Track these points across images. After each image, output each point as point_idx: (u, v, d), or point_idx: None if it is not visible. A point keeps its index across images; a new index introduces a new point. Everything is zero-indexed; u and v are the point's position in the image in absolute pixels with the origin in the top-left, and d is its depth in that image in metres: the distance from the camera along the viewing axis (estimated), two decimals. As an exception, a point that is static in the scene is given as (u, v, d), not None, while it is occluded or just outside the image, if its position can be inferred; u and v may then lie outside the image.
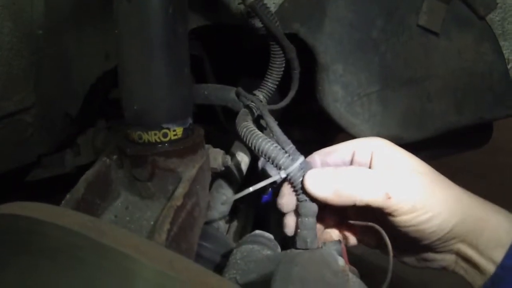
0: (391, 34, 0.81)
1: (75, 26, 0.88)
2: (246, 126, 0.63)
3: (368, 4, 0.79)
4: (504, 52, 0.80)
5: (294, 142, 0.63)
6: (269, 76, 0.74)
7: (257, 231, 0.64)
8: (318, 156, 0.67)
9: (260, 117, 0.72)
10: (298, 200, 0.62)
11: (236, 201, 0.74)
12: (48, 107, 0.94)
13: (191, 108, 0.61)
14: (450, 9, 0.79)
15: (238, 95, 0.76)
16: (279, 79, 0.75)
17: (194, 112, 0.62)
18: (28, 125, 0.93)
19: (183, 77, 0.58)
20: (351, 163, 0.66)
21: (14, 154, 0.95)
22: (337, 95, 0.82)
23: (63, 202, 0.51)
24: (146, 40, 0.53)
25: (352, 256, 0.61)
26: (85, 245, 0.33)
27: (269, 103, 0.75)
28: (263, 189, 0.64)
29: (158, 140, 0.56)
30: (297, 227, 0.63)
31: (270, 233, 0.64)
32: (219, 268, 0.63)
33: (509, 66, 0.80)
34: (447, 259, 0.65)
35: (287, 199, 0.63)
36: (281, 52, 0.71)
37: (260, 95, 0.74)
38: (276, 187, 0.68)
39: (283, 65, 0.73)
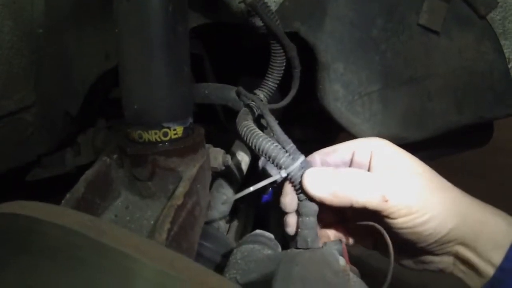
0: (392, 33, 0.81)
1: (75, 25, 0.88)
2: (246, 126, 0.63)
3: (368, 3, 0.79)
4: (504, 51, 0.80)
5: (295, 141, 0.63)
6: (269, 75, 0.74)
7: (258, 231, 0.64)
8: (318, 156, 0.67)
9: (261, 116, 0.72)
10: (298, 199, 0.62)
11: (236, 200, 0.73)
12: (48, 106, 0.94)
13: (192, 107, 0.61)
14: (451, 8, 0.79)
15: (238, 94, 0.76)
16: (279, 78, 0.74)
17: (194, 111, 0.62)
18: (28, 124, 0.93)
19: (183, 76, 0.58)
20: (351, 163, 0.66)
21: (14, 153, 0.95)
22: (337, 94, 0.82)
23: (63, 201, 0.51)
24: (146, 39, 0.53)
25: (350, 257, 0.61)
26: (85, 244, 0.33)
27: (270, 102, 0.74)
28: (263, 188, 0.64)
29: (159, 140, 0.56)
30: (297, 226, 0.63)
31: (270, 232, 0.64)
32: (220, 268, 0.63)
33: (509, 65, 0.80)
34: (445, 261, 0.65)
35: (290, 198, 0.63)
36: (281, 51, 0.71)
37: (261, 94, 0.74)
38: (276, 187, 0.68)
39: (284, 64, 0.73)
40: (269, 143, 0.60)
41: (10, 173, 0.95)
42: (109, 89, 1.02)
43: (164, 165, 0.56)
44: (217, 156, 0.68)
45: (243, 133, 0.63)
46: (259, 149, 0.60)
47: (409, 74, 0.83)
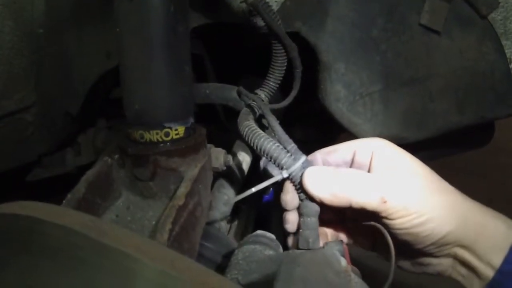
0: (392, 33, 0.81)
1: (75, 25, 0.88)
2: (248, 126, 0.63)
3: (369, 3, 0.79)
4: (506, 51, 0.80)
5: (296, 141, 0.63)
6: (270, 75, 0.74)
7: (259, 231, 0.64)
8: (319, 155, 0.68)
9: (262, 116, 0.72)
10: (300, 198, 0.62)
11: (237, 201, 0.73)
12: (49, 106, 0.94)
13: (193, 107, 0.61)
14: (452, 8, 0.79)
15: (239, 94, 0.75)
16: (281, 78, 0.74)
17: (195, 111, 0.61)
18: (28, 124, 0.93)
19: (184, 76, 0.58)
20: (352, 162, 0.66)
21: (15, 153, 0.95)
22: (339, 94, 0.81)
23: (64, 201, 0.51)
24: (147, 39, 0.53)
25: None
26: (86, 245, 0.33)
27: (271, 102, 0.74)
28: (265, 189, 0.64)
29: (160, 140, 0.56)
30: (299, 226, 0.63)
31: (271, 232, 0.64)
32: (221, 268, 0.63)
33: (511, 66, 0.80)
34: (444, 264, 0.65)
35: (291, 196, 0.63)
36: (283, 51, 0.71)
37: (262, 94, 0.74)
38: (277, 186, 0.68)
39: (285, 64, 0.73)
40: (271, 143, 0.60)
41: (11, 173, 0.95)
42: (109, 89, 1.02)
43: (165, 165, 0.56)
44: (218, 156, 0.68)
45: (244, 133, 0.63)
46: (260, 149, 0.60)
47: (410, 74, 0.83)
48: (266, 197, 1.00)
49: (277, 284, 0.42)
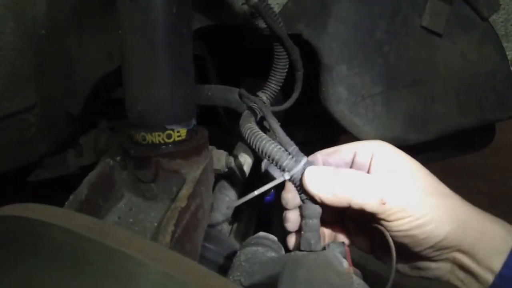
0: (395, 35, 0.81)
1: (77, 26, 0.88)
2: (249, 128, 0.63)
3: (371, 5, 0.79)
4: (507, 53, 0.80)
5: (297, 143, 0.63)
6: (272, 77, 0.74)
7: (261, 233, 0.64)
8: (320, 156, 0.68)
9: (264, 118, 0.72)
10: (301, 199, 0.62)
11: (239, 202, 0.73)
12: (50, 107, 0.94)
13: (195, 109, 0.61)
14: (453, 10, 0.79)
15: (241, 96, 0.76)
16: (282, 80, 0.74)
17: (197, 113, 0.61)
18: (30, 125, 0.93)
19: (187, 78, 0.58)
20: (352, 163, 0.66)
21: (16, 154, 0.94)
22: (341, 96, 0.81)
23: (66, 203, 0.51)
24: (150, 40, 0.53)
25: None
26: (89, 247, 0.33)
27: (272, 104, 0.74)
28: (266, 190, 0.64)
29: (162, 141, 0.56)
30: (301, 228, 0.63)
31: (273, 233, 0.64)
32: (223, 269, 0.63)
33: (512, 68, 0.80)
34: (442, 268, 0.65)
35: (292, 195, 0.63)
36: (284, 53, 0.71)
37: (264, 96, 0.74)
38: (279, 188, 0.68)
39: (287, 66, 0.73)
40: (272, 146, 0.60)
41: (12, 173, 0.95)
42: (111, 89, 1.02)
43: (167, 167, 0.56)
44: (220, 158, 0.68)
45: (246, 135, 0.63)
46: (262, 151, 0.61)
47: (411, 76, 0.83)
48: (267, 198, 1.00)
49: (281, 286, 0.42)
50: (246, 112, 0.71)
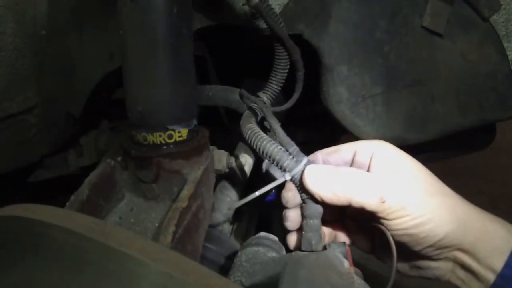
0: (395, 35, 0.81)
1: (78, 26, 0.88)
2: (250, 128, 0.63)
3: (372, 5, 0.79)
4: (508, 53, 0.80)
5: (298, 143, 0.63)
6: (273, 78, 0.74)
7: (262, 233, 0.64)
8: (320, 155, 0.68)
9: (264, 118, 0.72)
10: (301, 198, 0.62)
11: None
12: (51, 107, 0.94)
13: (196, 109, 0.61)
14: (454, 11, 0.79)
15: (241, 97, 0.76)
16: (283, 81, 0.74)
17: (198, 113, 0.61)
18: (31, 126, 0.93)
19: (187, 78, 0.58)
20: (352, 163, 0.66)
21: (17, 155, 0.95)
22: (341, 97, 0.81)
23: (67, 204, 0.51)
24: (150, 41, 0.53)
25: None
26: (90, 247, 0.33)
27: (273, 104, 0.74)
28: (267, 191, 0.64)
29: (163, 142, 0.56)
30: (301, 228, 0.63)
31: (273, 233, 0.64)
32: (224, 270, 0.63)
33: (512, 68, 0.80)
34: (443, 268, 0.65)
35: (292, 194, 0.63)
36: (285, 53, 0.71)
37: (264, 96, 0.74)
38: (279, 188, 0.68)
39: (288, 66, 0.73)
40: (273, 146, 0.60)
41: (13, 174, 0.95)
42: (112, 90, 1.02)
43: (168, 167, 0.56)
44: (221, 158, 0.68)
45: (247, 135, 0.63)
46: (262, 152, 0.61)
47: (412, 76, 0.83)
48: (268, 197, 1.00)
49: (282, 286, 0.42)
50: (247, 113, 0.71)
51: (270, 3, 0.67)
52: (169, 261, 0.33)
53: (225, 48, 1.09)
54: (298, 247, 0.63)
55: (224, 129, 1.05)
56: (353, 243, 0.72)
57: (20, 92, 0.88)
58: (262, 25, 0.70)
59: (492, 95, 0.83)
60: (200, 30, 0.79)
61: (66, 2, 0.87)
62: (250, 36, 0.84)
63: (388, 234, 0.60)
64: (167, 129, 0.55)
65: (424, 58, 0.82)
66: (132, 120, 0.57)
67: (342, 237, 0.71)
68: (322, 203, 0.61)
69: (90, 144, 1.02)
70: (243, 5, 0.71)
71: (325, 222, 0.69)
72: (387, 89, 0.83)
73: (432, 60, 0.82)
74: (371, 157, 0.64)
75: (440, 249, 0.61)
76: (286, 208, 0.66)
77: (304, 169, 0.61)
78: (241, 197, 0.79)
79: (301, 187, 0.61)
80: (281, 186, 0.66)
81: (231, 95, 0.82)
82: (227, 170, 0.70)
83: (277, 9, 0.75)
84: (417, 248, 0.61)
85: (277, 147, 0.60)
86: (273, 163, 0.61)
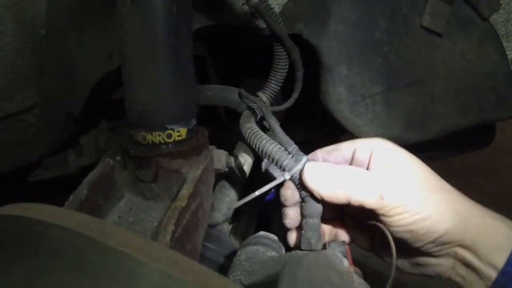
0: (395, 35, 0.81)
1: (77, 26, 0.88)
2: (250, 128, 0.63)
3: (371, 5, 0.79)
4: (507, 53, 0.80)
5: (297, 143, 0.63)
6: (272, 77, 0.74)
7: (261, 232, 0.64)
8: (320, 153, 0.68)
9: (263, 118, 0.72)
10: (301, 196, 0.62)
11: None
12: (51, 107, 0.94)
13: (195, 109, 0.61)
14: (454, 10, 0.79)
15: (240, 96, 0.76)
16: (282, 80, 0.74)
17: (197, 113, 0.61)
18: (30, 125, 0.93)
19: (187, 78, 0.58)
20: (352, 161, 0.66)
21: (16, 154, 0.95)
22: (341, 96, 0.81)
23: (66, 203, 0.51)
24: (150, 40, 0.53)
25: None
26: (90, 246, 0.33)
27: (272, 104, 0.74)
28: (267, 191, 0.64)
29: (162, 141, 0.56)
30: (301, 227, 0.63)
31: (273, 232, 0.64)
32: (223, 269, 0.63)
33: (512, 67, 0.80)
34: (443, 264, 0.64)
35: (291, 192, 0.63)
36: (284, 53, 0.71)
37: (263, 96, 0.74)
38: (279, 187, 0.68)
39: (287, 66, 0.73)
40: (272, 145, 0.60)
41: (12, 173, 0.95)
42: (111, 89, 1.02)
43: (168, 166, 0.56)
44: (220, 158, 0.68)
45: (246, 135, 0.63)
46: (262, 151, 0.61)
47: (411, 76, 0.83)
48: (268, 197, 1.00)
49: (281, 285, 0.42)
50: (246, 112, 0.71)
51: (269, 2, 0.67)
52: (168, 260, 0.33)
53: (225, 47, 1.09)
54: (298, 245, 0.63)
55: (223, 129, 1.05)
56: (353, 241, 0.72)
57: (20, 91, 0.88)
58: (262, 24, 0.70)
59: (492, 95, 0.83)
60: (199, 29, 0.79)
61: (66, 2, 0.87)
62: (250, 35, 0.84)
63: (387, 232, 0.60)
64: (166, 129, 0.55)
65: (424, 58, 0.82)
66: (131, 120, 0.57)
67: (342, 235, 0.71)
68: (322, 202, 0.61)
69: (90, 144, 1.02)
70: (242, 4, 0.71)
71: (325, 220, 0.69)
72: (387, 89, 0.83)
73: (431, 60, 0.82)
74: (371, 155, 0.64)
75: (440, 245, 0.61)
76: (285, 206, 0.66)
77: (304, 168, 0.61)
78: (241, 196, 0.79)
79: (301, 186, 0.61)
80: (281, 186, 0.66)
81: (230, 95, 0.82)
82: (227, 169, 0.70)
83: (277, 9, 0.75)
84: (418, 244, 0.61)
85: (276, 146, 0.60)
86: (272, 162, 0.61)
